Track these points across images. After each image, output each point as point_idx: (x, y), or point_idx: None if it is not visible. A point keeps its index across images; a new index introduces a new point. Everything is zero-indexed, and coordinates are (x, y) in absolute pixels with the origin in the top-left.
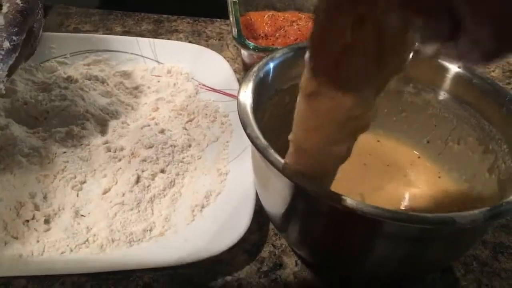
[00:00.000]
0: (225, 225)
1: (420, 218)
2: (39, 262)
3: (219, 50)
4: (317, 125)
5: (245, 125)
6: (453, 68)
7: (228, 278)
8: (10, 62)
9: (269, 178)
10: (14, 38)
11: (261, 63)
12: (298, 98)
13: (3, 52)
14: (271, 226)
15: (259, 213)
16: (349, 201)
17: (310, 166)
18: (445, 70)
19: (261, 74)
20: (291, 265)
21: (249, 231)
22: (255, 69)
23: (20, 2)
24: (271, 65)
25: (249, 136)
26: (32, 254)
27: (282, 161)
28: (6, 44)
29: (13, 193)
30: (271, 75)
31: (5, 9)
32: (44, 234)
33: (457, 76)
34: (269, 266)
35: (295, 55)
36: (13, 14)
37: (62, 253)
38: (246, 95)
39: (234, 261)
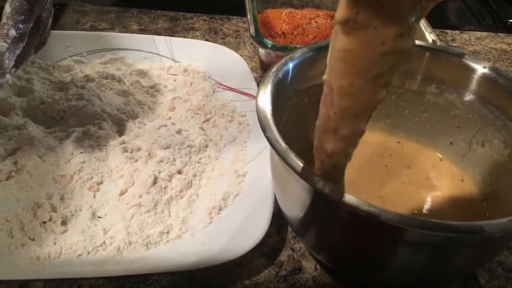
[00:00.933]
0: (243, 228)
1: (446, 227)
2: (56, 264)
3: (236, 48)
4: (356, 60)
5: (264, 128)
6: (479, 68)
7: (247, 282)
8: (17, 52)
9: (288, 181)
10: (20, 26)
11: (280, 63)
12: (333, 34)
13: (9, 41)
14: (290, 229)
15: (277, 216)
16: (372, 208)
17: (351, 107)
18: (470, 70)
19: (280, 75)
20: (310, 270)
21: (267, 234)
22: (273, 69)
23: None
24: (290, 65)
25: (268, 139)
26: (49, 256)
27: (302, 165)
28: (13, 33)
29: (30, 193)
30: (290, 75)
31: None
32: (61, 236)
33: (482, 77)
34: (288, 270)
35: (314, 54)
36: (20, 2)
37: (79, 255)
38: (265, 97)
39: (252, 265)
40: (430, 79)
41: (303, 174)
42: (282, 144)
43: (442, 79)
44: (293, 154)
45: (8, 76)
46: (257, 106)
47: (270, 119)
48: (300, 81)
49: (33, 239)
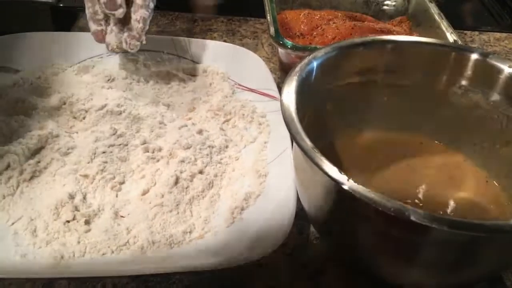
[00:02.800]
0: (265, 228)
1: (477, 225)
2: (80, 263)
3: (254, 49)
4: None
5: (290, 128)
6: (505, 68)
7: (270, 282)
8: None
9: (313, 181)
10: None
11: (303, 62)
12: None
13: (149, 11)
14: (311, 229)
15: (299, 216)
16: (403, 207)
17: None
18: (495, 70)
19: (304, 74)
20: (334, 271)
21: (289, 235)
22: (297, 69)
23: None
24: (314, 64)
25: (295, 139)
26: (74, 255)
27: (329, 164)
28: (151, 4)
29: (53, 193)
30: (313, 75)
31: None
32: (85, 235)
33: (508, 77)
34: (311, 271)
35: (337, 54)
36: None
37: (103, 254)
38: (290, 96)
39: (274, 266)
40: (454, 79)
41: (331, 173)
42: (309, 143)
43: (467, 79)
44: (320, 154)
45: (143, 37)
46: (282, 106)
47: (295, 118)
48: (322, 81)
49: (57, 238)
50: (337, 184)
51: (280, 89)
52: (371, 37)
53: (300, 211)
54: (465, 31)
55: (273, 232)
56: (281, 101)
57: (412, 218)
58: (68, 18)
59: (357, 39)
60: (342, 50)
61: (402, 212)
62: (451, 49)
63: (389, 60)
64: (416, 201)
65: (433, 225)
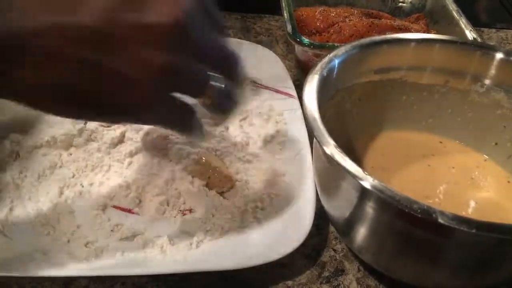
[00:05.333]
0: (284, 228)
1: (507, 228)
2: (100, 262)
3: (269, 46)
4: None
5: (312, 127)
6: None
7: (289, 283)
8: None
9: (335, 180)
10: None
11: (324, 60)
12: None
13: None
14: (330, 229)
15: (317, 216)
16: (430, 208)
17: None
18: None
19: (324, 73)
20: (354, 271)
21: (308, 235)
22: (318, 67)
23: None
24: (336, 62)
25: (317, 138)
26: (94, 254)
27: (353, 163)
28: None
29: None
30: (334, 73)
31: None
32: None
33: None
34: (331, 271)
35: (358, 52)
36: None
37: (123, 253)
38: (311, 95)
39: (293, 266)
40: (477, 77)
41: (355, 174)
42: (332, 143)
43: (490, 78)
44: (343, 154)
45: None
46: (303, 105)
47: (317, 118)
48: (343, 79)
49: (79, 238)
50: (362, 184)
51: (296, 87)
52: (394, 34)
53: (319, 210)
54: (482, 29)
55: (293, 232)
56: (302, 99)
57: (440, 220)
58: None
59: (379, 37)
60: (363, 48)
61: (430, 214)
62: (475, 47)
63: (411, 58)
64: (437, 200)
65: (461, 227)
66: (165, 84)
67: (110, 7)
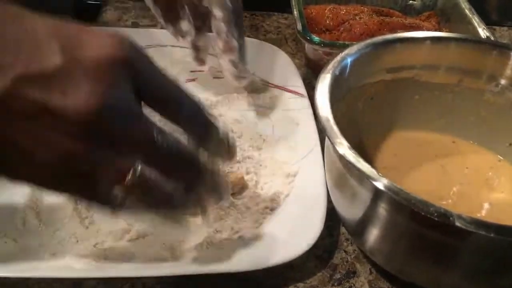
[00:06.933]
0: (296, 229)
1: None
2: (110, 263)
3: (278, 44)
4: None
5: (325, 128)
6: None
7: (300, 285)
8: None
9: (348, 182)
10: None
11: (336, 59)
12: None
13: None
14: (342, 230)
15: (329, 216)
16: (447, 211)
17: None
18: None
19: (337, 72)
20: (365, 273)
21: (319, 236)
22: (330, 65)
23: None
24: (348, 61)
25: (329, 138)
26: (104, 255)
27: (366, 164)
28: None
29: None
30: (347, 72)
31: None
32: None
33: None
34: (342, 273)
35: (371, 51)
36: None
37: (132, 254)
38: (324, 94)
39: (304, 267)
40: (492, 77)
41: (369, 175)
42: (345, 143)
43: (506, 77)
44: (357, 155)
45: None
46: (316, 104)
47: (330, 118)
48: (355, 78)
49: (88, 239)
50: (376, 186)
51: (306, 85)
52: (408, 33)
53: (330, 211)
54: (494, 27)
55: (304, 233)
56: (314, 99)
57: (457, 224)
58: (92, 13)
59: (393, 35)
60: (376, 47)
61: (447, 217)
62: (490, 46)
63: (425, 57)
64: (450, 201)
65: (479, 231)
66: (64, 171)
67: (19, 78)
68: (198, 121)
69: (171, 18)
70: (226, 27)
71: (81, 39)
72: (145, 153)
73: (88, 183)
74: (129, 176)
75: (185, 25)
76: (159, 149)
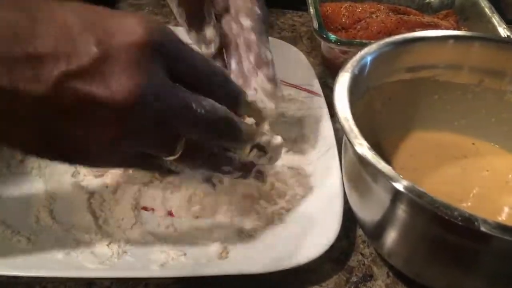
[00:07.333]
0: (312, 231)
1: None
2: (123, 263)
3: (293, 42)
4: None
5: (344, 127)
6: None
7: (316, 287)
8: None
9: (367, 183)
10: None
11: (355, 58)
12: None
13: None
14: (358, 232)
15: (345, 218)
16: (471, 215)
17: None
18: None
19: (356, 70)
20: (383, 277)
21: (336, 238)
22: (349, 64)
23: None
24: (368, 59)
25: (349, 138)
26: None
27: (388, 166)
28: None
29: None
30: (366, 71)
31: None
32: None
33: None
34: (359, 276)
35: (392, 49)
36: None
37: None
38: (343, 94)
39: (321, 270)
40: None
41: (391, 177)
42: (365, 144)
43: None
44: (377, 156)
45: None
46: (335, 104)
47: (349, 118)
48: (374, 78)
49: (101, 239)
50: (396, 187)
51: (321, 84)
52: (430, 31)
53: (346, 212)
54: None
55: (321, 235)
56: (333, 98)
57: (482, 228)
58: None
59: (414, 34)
60: (397, 45)
61: (471, 222)
62: None
63: (448, 57)
64: (469, 204)
65: (505, 236)
66: (122, 149)
67: (62, 75)
68: (228, 89)
69: (196, 22)
70: (257, 38)
71: (111, 27)
72: (187, 123)
73: (145, 158)
74: (178, 147)
75: (210, 31)
76: (199, 116)
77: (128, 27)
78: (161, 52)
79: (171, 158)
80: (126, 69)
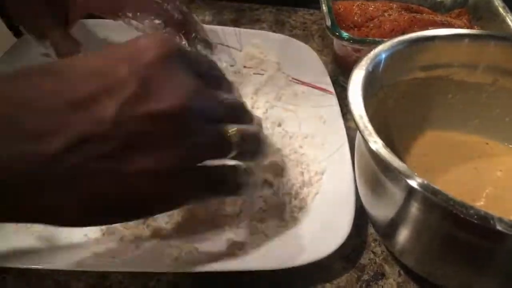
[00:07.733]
0: (323, 228)
1: None
2: (136, 258)
3: (304, 40)
4: None
5: (358, 125)
6: None
7: (327, 285)
8: None
9: (380, 181)
10: None
11: (369, 55)
12: None
13: None
14: (370, 231)
15: (357, 216)
16: (488, 214)
17: None
18: None
19: (370, 68)
20: (394, 275)
21: (347, 236)
22: (363, 62)
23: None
24: (383, 57)
25: (364, 136)
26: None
27: (402, 164)
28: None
29: None
30: (380, 68)
31: None
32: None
33: None
34: (370, 275)
35: (407, 47)
36: None
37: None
38: (357, 91)
39: (332, 268)
40: None
41: (407, 175)
42: (380, 142)
43: None
44: (392, 154)
45: None
46: (349, 101)
47: (364, 115)
48: (388, 76)
49: (113, 233)
50: (411, 185)
51: (333, 82)
52: (445, 29)
53: (357, 210)
54: None
55: (332, 232)
56: (347, 95)
57: (498, 227)
58: None
59: (429, 32)
60: (411, 43)
61: (487, 220)
62: None
63: (463, 56)
64: (482, 204)
65: None
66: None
67: (120, 107)
68: (233, 91)
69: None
70: None
71: (131, 52)
72: (226, 112)
73: (208, 176)
74: (231, 133)
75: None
76: (226, 105)
77: (149, 45)
78: (183, 58)
79: (233, 152)
80: (165, 81)
